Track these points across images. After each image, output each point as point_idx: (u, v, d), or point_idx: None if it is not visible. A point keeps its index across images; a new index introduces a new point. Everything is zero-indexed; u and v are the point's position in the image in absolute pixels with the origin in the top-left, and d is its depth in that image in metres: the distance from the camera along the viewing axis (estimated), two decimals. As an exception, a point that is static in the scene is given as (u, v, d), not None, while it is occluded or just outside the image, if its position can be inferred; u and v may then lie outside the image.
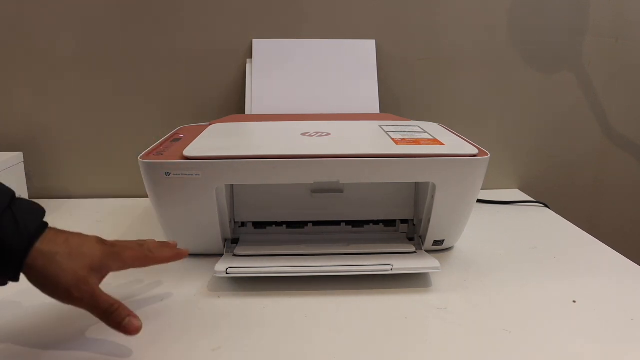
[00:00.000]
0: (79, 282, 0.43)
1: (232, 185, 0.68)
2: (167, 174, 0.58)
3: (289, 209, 0.70)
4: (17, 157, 0.84)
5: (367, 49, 0.89)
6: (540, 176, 0.99)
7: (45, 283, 0.43)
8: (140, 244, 0.51)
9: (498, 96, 0.94)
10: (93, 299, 0.44)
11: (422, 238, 0.67)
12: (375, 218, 0.71)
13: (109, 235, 0.50)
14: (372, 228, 0.71)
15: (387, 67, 0.91)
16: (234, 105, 0.91)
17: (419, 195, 0.69)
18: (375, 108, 0.86)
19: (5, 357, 0.46)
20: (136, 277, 0.61)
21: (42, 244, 0.43)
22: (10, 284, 0.44)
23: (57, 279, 0.42)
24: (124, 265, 0.48)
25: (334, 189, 0.69)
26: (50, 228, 0.45)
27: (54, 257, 0.43)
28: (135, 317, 0.45)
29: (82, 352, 0.46)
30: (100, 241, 0.47)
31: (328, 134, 0.66)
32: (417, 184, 0.69)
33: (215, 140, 0.67)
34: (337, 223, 0.71)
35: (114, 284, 0.59)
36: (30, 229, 0.43)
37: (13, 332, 0.50)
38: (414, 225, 0.71)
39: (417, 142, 0.63)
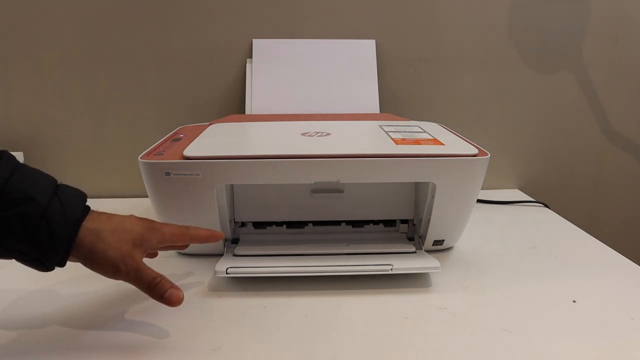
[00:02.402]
0: (124, 256, 0.45)
1: (232, 185, 0.68)
2: (167, 174, 0.58)
3: (289, 209, 0.70)
4: (17, 157, 0.84)
5: (367, 49, 0.89)
6: (540, 176, 0.99)
7: (93, 260, 0.45)
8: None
9: (498, 96, 0.94)
10: (137, 273, 0.46)
11: (422, 238, 0.67)
12: (375, 218, 0.71)
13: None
14: (372, 228, 0.71)
15: (387, 67, 0.91)
16: (234, 105, 0.91)
17: (419, 195, 0.69)
18: (375, 108, 0.86)
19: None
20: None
21: (88, 222, 0.45)
22: (53, 275, 0.46)
23: (104, 254, 0.45)
24: (162, 238, 0.50)
25: (334, 189, 0.69)
26: (92, 210, 0.47)
27: (100, 233, 0.45)
28: (177, 288, 0.47)
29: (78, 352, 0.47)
30: (139, 218, 0.50)
31: (328, 134, 0.66)
32: (417, 184, 0.69)
33: (215, 140, 0.67)
34: (337, 223, 0.71)
35: (114, 283, 0.59)
36: (77, 212, 0.45)
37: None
38: (414, 225, 0.71)
39: (417, 142, 0.63)
